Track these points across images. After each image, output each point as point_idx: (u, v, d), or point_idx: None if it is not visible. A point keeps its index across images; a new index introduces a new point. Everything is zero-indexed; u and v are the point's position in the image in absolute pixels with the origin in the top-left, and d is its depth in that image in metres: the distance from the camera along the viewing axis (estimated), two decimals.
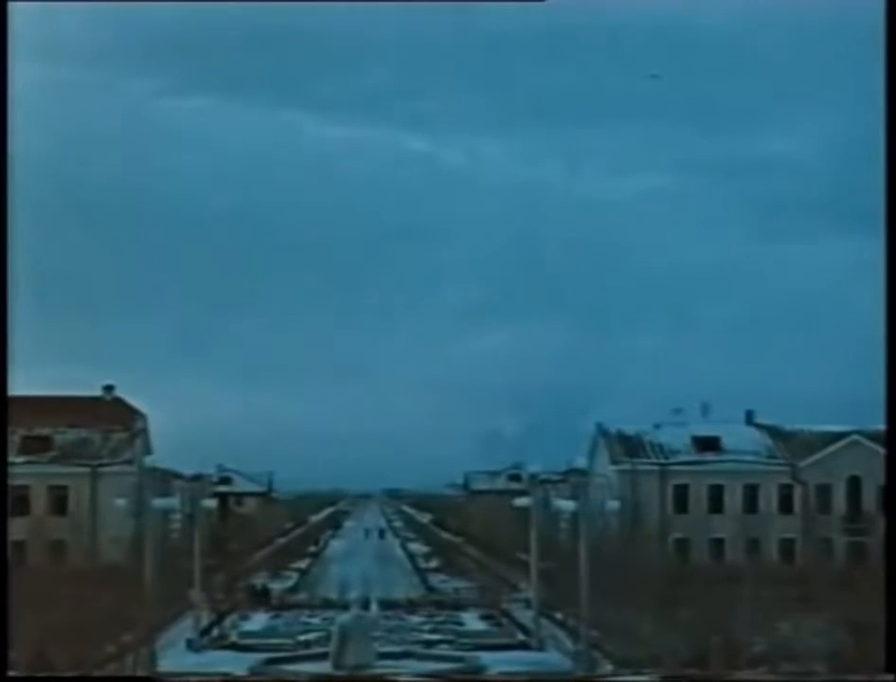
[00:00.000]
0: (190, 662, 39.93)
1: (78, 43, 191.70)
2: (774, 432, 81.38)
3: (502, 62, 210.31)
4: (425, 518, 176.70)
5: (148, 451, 75.99)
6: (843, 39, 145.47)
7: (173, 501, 54.43)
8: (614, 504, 60.09)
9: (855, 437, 77.11)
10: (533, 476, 56.48)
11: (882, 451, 60.65)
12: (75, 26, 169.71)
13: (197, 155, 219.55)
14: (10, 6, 26.08)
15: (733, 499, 76.42)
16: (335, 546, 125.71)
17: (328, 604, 56.86)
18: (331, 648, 38.01)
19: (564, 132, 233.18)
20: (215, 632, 48.36)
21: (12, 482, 52.42)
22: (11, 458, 59.64)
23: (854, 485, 76.77)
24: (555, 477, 78.30)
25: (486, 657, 39.73)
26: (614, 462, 78.05)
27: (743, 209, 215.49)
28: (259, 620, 54.24)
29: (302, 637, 46.09)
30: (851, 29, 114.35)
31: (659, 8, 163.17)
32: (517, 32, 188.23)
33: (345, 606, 44.33)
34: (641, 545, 61.35)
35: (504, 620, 53.68)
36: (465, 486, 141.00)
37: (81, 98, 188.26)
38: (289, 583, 75.26)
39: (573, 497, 42.54)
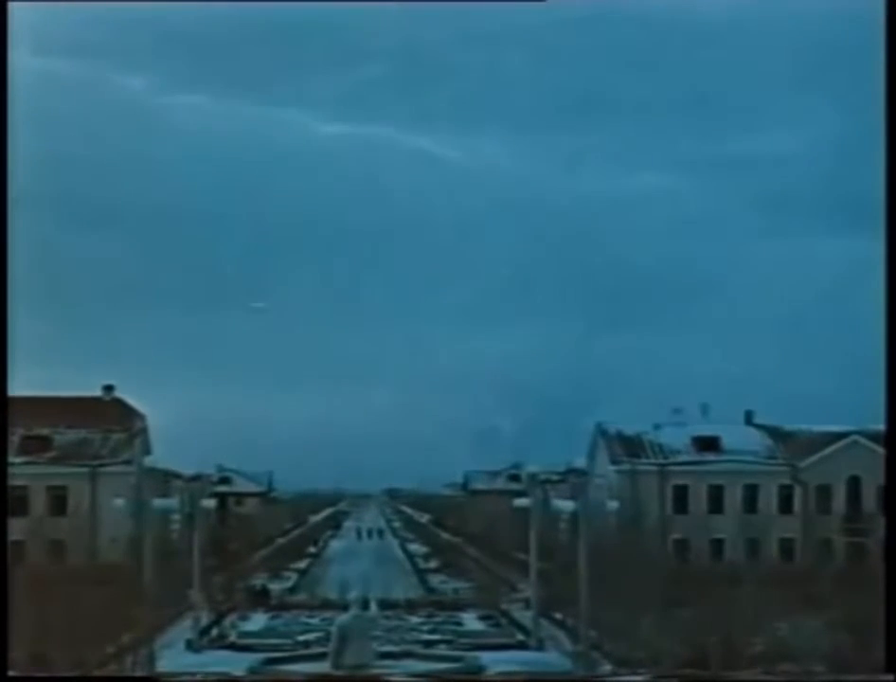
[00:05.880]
0: (189, 662, 39.90)
1: (72, 38, 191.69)
2: (774, 432, 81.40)
3: (502, 59, 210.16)
4: (424, 518, 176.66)
5: (147, 451, 75.92)
6: (843, 35, 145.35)
7: (173, 501, 54.40)
8: (613, 504, 60.03)
9: (855, 437, 77.12)
10: (533, 476, 56.28)
11: (882, 451, 60.58)
12: (69, 22, 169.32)
13: (193, 153, 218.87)
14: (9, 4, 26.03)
15: (733, 499, 76.35)
16: (335, 546, 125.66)
17: (327, 605, 56.80)
18: (330, 648, 38.03)
19: (564, 129, 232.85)
20: (214, 632, 48.38)
21: (11, 482, 52.33)
22: (11, 459, 59.50)
23: (854, 485, 76.77)
24: (554, 478, 78.15)
25: (485, 657, 39.74)
26: (613, 462, 78.05)
27: (743, 208, 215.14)
28: (258, 621, 54.22)
29: (301, 638, 46.11)
30: (851, 25, 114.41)
31: (659, 5, 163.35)
32: (517, 30, 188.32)
33: (344, 606, 44.30)
34: (641, 545, 61.20)
35: (503, 620, 53.69)
36: (464, 486, 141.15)
37: (74, 93, 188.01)
38: (288, 584, 75.22)
39: (572, 498, 42.44)
